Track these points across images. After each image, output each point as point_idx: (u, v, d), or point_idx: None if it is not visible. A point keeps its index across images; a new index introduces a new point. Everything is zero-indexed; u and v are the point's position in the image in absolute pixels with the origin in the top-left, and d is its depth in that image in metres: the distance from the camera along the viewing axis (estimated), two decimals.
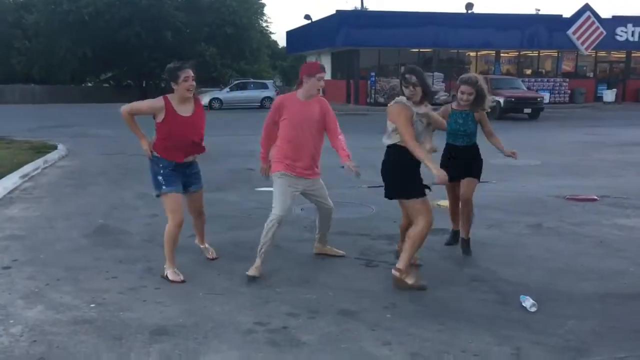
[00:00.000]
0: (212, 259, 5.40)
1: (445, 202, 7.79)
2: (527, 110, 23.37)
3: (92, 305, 4.30)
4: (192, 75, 4.76)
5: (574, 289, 4.67)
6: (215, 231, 6.47)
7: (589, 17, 32.29)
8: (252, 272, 4.88)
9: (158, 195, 4.92)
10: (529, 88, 27.50)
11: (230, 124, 21.99)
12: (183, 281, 4.80)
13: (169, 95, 4.81)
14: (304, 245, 5.87)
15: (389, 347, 3.66)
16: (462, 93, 5.34)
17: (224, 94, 32.71)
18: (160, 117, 4.77)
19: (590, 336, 3.83)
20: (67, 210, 7.47)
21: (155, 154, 4.86)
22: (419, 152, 4.38)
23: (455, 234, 5.87)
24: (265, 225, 4.89)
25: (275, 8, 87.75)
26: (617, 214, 7.24)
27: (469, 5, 34.81)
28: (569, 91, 32.56)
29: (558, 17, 32.98)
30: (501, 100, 23.28)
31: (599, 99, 32.97)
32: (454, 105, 5.59)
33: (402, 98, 4.56)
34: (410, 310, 4.26)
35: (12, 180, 9.14)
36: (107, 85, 49.74)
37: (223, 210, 7.49)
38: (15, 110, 31.03)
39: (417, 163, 4.49)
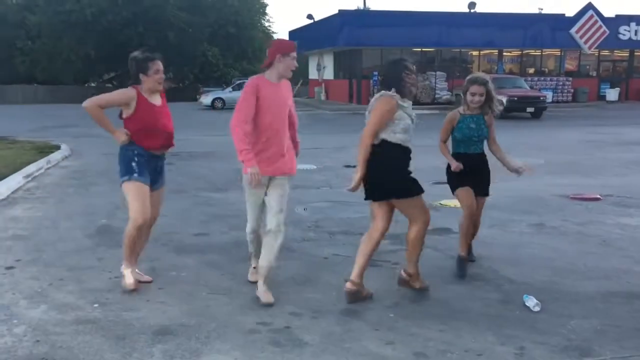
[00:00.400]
0: (148, 282, 4.80)
1: (448, 202, 7.79)
2: (530, 110, 23.35)
3: (95, 305, 4.30)
4: (162, 67, 4.57)
5: (577, 288, 4.66)
6: (218, 231, 6.48)
7: (591, 16, 32.22)
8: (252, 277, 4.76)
9: (125, 181, 4.49)
10: (531, 87, 27.49)
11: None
12: (136, 285, 4.54)
13: (138, 87, 4.55)
14: (307, 245, 5.87)
15: (392, 347, 3.66)
16: (473, 94, 4.95)
17: (227, 93, 32.76)
18: (132, 108, 4.48)
19: (594, 335, 3.82)
20: (70, 210, 7.48)
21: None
22: (362, 150, 4.20)
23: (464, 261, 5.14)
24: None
25: (277, 8, 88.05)
26: (620, 213, 7.23)
27: (472, 5, 34.76)
28: (572, 90, 32.51)
29: (561, 16, 32.92)
30: (504, 99, 23.24)
31: (602, 97, 32.92)
32: (461, 109, 5.15)
33: (387, 92, 4.26)
34: (413, 309, 4.26)
35: (16, 180, 9.16)
36: (109, 85, 49.78)
37: (225, 210, 7.49)
38: (19, 111, 31.10)
39: (409, 158, 4.34)
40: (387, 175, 4.28)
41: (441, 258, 5.49)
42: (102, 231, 6.46)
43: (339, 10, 32.09)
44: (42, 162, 11.05)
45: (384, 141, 4.23)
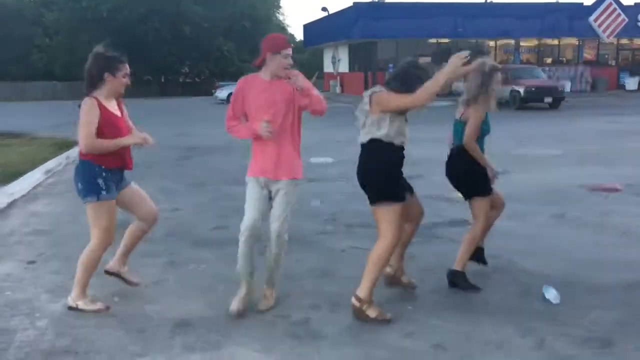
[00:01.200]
0: (137, 284, 4.56)
1: None
2: (548, 100, 23.12)
3: (115, 299, 4.35)
4: (128, 72, 4.13)
5: (597, 280, 4.62)
6: (237, 225, 6.49)
7: (610, 4, 31.77)
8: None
9: (90, 202, 4.09)
10: (549, 77, 27.20)
11: None
12: (107, 308, 4.16)
13: (95, 93, 4.04)
14: (325, 238, 5.88)
15: (410, 339, 3.65)
16: (499, 83, 4.57)
17: None
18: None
19: (615, 327, 3.79)
20: None
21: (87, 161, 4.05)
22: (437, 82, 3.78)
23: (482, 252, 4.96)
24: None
25: (292, 1, 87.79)
26: None
27: None
28: (591, 79, 32.13)
29: (578, 5, 32.51)
30: (521, 89, 23.03)
31: (621, 87, 32.50)
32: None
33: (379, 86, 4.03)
34: (431, 301, 4.25)
35: (36, 176, 9.28)
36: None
37: (243, 203, 7.46)
38: (38, 107, 31.45)
39: (398, 162, 4.00)
40: (380, 177, 3.98)
41: (459, 250, 5.45)
42: (122, 225, 6.48)
43: (354, 3, 31.96)
44: (61, 158, 11.17)
45: (379, 140, 3.91)
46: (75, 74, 45.21)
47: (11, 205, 7.55)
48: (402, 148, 3.98)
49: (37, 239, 5.99)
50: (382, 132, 3.89)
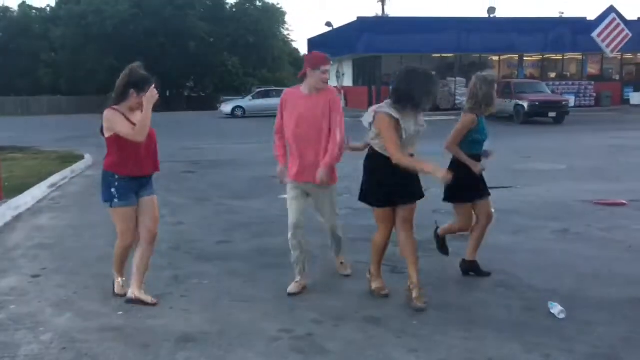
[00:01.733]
0: (153, 304, 4.53)
1: None
2: (552, 114, 23.12)
3: (119, 313, 4.35)
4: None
5: (603, 295, 4.59)
6: (240, 239, 6.51)
7: (614, 19, 31.82)
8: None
9: (108, 207, 4.46)
10: (553, 92, 27.22)
11: (252, 131, 22.10)
12: (124, 295, 4.51)
13: (115, 107, 4.30)
14: (329, 252, 5.85)
15: (415, 355, 3.64)
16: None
17: (247, 102, 32.92)
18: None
19: (621, 343, 3.76)
20: (94, 219, 7.56)
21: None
22: (405, 161, 4.20)
23: (471, 265, 5.16)
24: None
25: (296, 16, 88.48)
26: None
27: (491, 10, 34.62)
28: (595, 94, 32.12)
29: (582, 20, 32.59)
30: (525, 104, 23.06)
31: (625, 101, 32.49)
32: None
33: (384, 105, 4.35)
34: (436, 317, 4.23)
35: (41, 189, 9.31)
36: None
37: (247, 218, 7.53)
38: (43, 122, 31.61)
39: (387, 170, 4.29)
40: (366, 182, 4.54)
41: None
42: None
43: (358, 18, 32.14)
44: (66, 172, 11.22)
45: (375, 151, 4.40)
46: (81, 89, 45.77)
47: (16, 218, 7.57)
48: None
49: (41, 253, 6.00)
50: (378, 144, 4.33)
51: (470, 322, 4.12)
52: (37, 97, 45.30)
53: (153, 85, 4.31)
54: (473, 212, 5.09)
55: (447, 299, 4.55)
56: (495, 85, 4.94)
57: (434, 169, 4.20)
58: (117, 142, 4.30)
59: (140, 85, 4.28)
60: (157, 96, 4.28)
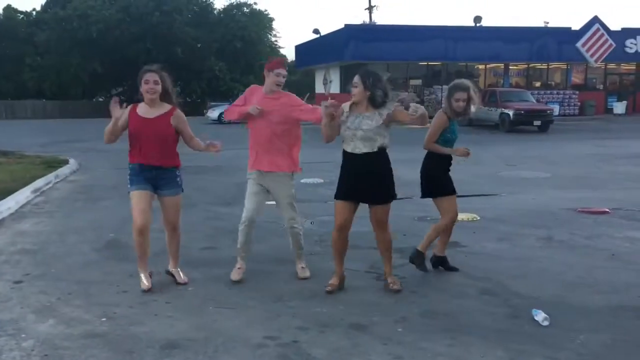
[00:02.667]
0: (183, 284, 5.10)
1: (466, 216, 7.78)
2: (537, 123, 23.34)
3: (103, 319, 4.31)
4: (154, 78, 4.81)
5: (586, 302, 4.63)
6: (225, 245, 6.48)
7: (598, 30, 32.26)
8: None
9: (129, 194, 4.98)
10: (538, 100, 27.47)
11: (239, 137, 22.02)
12: (149, 289, 4.86)
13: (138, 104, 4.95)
14: (314, 259, 5.86)
15: None
16: (458, 100, 5.16)
17: None
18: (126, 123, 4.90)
19: (604, 350, 3.79)
20: (78, 224, 7.51)
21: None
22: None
23: (440, 259, 5.52)
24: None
25: (284, 23, 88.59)
26: (629, 227, 7.19)
27: (478, 19, 34.88)
28: (579, 103, 32.48)
29: (567, 30, 32.97)
30: (511, 112, 23.25)
31: (609, 111, 32.87)
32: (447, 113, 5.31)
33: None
34: (421, 324, 4.24)
35: (24, 194, 9.21)
36: None
37: (233, 224, 7.47)
38: (27, 126, 31.33)
39: (347, 167, 4.72)
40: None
41: (449, 272, 5.46)
42: (110, 245, 6.48)
43: (345, 25, 32.25)
44: (50, 177, 11.11)
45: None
46: (65, 93, 45.45)
47: None
48: (352, 154, 4.67)
49: (24, 259, 5.93)
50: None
51: (456, 329, 4.13)
52: (21, 101, 44.93)
53: (152, 71, 4.88)
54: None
55: (432, 306, 4.57)
56: (458, 93, 5.17)
57: None
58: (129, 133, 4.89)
59: (139, 80, 4.86)
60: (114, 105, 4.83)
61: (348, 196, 4.72)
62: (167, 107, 4.92)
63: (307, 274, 5.28)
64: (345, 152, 4.74)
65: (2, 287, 5.04)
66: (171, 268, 5.20)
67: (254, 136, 5.15)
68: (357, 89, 4.65)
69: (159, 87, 4.83)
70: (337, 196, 4.77)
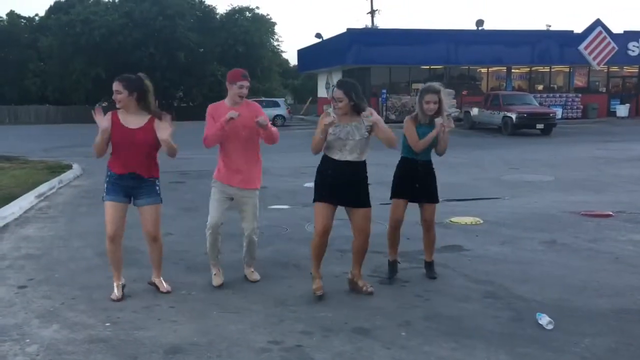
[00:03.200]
0: (165, 292, 5.02)
1: (459, 219, 7.78)
2: (540, 126, 23.30)
3: (107, 324, 4.32)
4: (116, 88, 4.73)
5: (590, 306, 4.63)
6: (229, 250, 6.49)
7: (600, 32, 32.24)
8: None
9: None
10: (540, 104, 27.43)
11: None
12: (119, 299, 4.82)
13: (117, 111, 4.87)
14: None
15: None
16: (428, 102, 5.18)
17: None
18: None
19: (608, 353, 3.79)
20: (81, 229, 7.52)
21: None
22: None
23: (393, 265, 5.52)
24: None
25: (286, 27, 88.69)
26: (632, 230, 7.18)
27: (480, 22, 34.89)
28: (582, 106, 32.44)
29: (569, 33, 32.95)
30: (513, 116, 23.24)
31: (612, 114, 32.82)
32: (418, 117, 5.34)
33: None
34: (424, 328, 4.24)
35: (28, 199, 9.24)
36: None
37: (235, 229, 7.48)
38: (31, 131, 31.41)
39: (329, 173, 4.78)
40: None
41: (452, 276, 5.47)
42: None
43: (347, 29, 32.29)
44: (54, 182, 11.14)
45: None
46: (69, 98, 45.52)
47: (3, 229, 7.51)
48: (339, 161, 4.76)
49: (28, 264, 5.95)
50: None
51: (459, 332, 4.13)
52: (25, 106, 45.05)
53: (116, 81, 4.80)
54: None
55: (435, 310, 4.56)
56: (428, 95, 5.19)
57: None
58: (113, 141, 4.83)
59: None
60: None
61: (332, 197, 4.78)
62: (147, 116, 4.81)
63: (258, 276, 5.39)
64: (329, 159, 4.80)
65: (6, 292, 5.05)
66: (154, 278, 5.13)
67: (224, 149, 5.13)
68: (343, 103, 4.73)
69: (122, 96, 4.71)
70: (319, 199, 4.82)
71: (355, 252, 5.00)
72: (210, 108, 5.19)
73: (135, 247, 6.61)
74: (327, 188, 4.80)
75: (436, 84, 5.34)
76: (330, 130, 4.69)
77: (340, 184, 4.76)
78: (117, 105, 4.80)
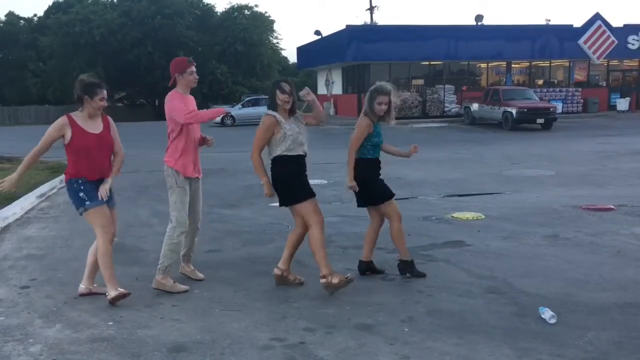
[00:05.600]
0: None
1: (460, 215, 7.77)
2: (540, 121, 23.29)
3: (110, 323, 4.32)
4: (105, 96, 4.73)
5: (593, 300, 4.62)
6: (231, 247, 6.49)
7: (599, 26, 32.19)
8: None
9: (82, 213, 4.72)
10: (541, 98, 27.42)
11: (242, 140, 22.05)
12: (128, 294, 4.71)
13: (71, 114, 4.72)
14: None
15: None
16: (380, 104, 5.17)
17: (236, 110, 32.90)
18: (68, 137, 4.64)
19: (611, 347, 3.78)
20: (83, 229, 7.50)
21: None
22: (257, 169, 4.90)
23: (367, 265, 5.44)
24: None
25: (285, 24, 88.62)
26: (634, 223, 7.17)
27: (479, 17, 34.84)
28: (582, 101, 32.39)
29: (569, 27, 32.90)
30: (513, 111, 23.22)
31: (612, 107, 32.77)
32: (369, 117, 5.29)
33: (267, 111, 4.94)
34: (427, 323, 4.24)
35: (29, 200, 9.24)
36: (120, 104, 50.25)
37: (238, 226, 7.52)
38: (31, 131, 31.36)
39: (300, 170, 4.88)
40: (282, 187, 4.91)
41: (454, 271, 5.47)
42: (115, 249, 6.41)
43: (347, 26, 32.25)
44: (55, 182, 11.14)
45: (278, 156, 4.86)
46: (69, 98, 45.47)
47: (4, 229, 7.51)
48: (296, 156, 4.87)
49: (30, 264, 5.95)
50: (277, 150, 4.90)
51: (462, 328, 4.13)
52: (25, 107, 45.08)
53: (104, 89, 4.72)
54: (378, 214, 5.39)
55: (438, 306, 4.56)
56: (380, 97, 5.18)
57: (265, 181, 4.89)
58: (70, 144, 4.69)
59: (90, 93, 4.64)
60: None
61: (312, 192, 4.94)
62: (99, 117, 4.78)
63: (202, 274, 5.35)
64: (288, 157, 4.84)
65: (9, 293, 5.06)
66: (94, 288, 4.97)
67: (187, 140, 5.05)
68: (292, 98, 4.85)
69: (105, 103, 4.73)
70: (305, 197, 4.86)
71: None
72: (174, 95, 5.07)
73: (136, 245, 6.63)
74: (303, 184, 4.92)
75: (388, 85, 5.31)
76: (286, 131, 4.79)
77: (304, 177, 4.95)
78: (99, 111, 4.71)
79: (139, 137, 18.54)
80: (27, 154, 4.81)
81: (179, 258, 5.22)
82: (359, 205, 5.40)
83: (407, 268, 5.30)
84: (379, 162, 5.33)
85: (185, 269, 5.35)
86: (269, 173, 4.93)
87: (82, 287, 4.94)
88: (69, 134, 4.63)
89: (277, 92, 4.82)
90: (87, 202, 4.63)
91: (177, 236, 4.99)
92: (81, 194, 4.64)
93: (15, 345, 3.96)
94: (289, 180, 4.88)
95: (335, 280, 4.77)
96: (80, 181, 4.65)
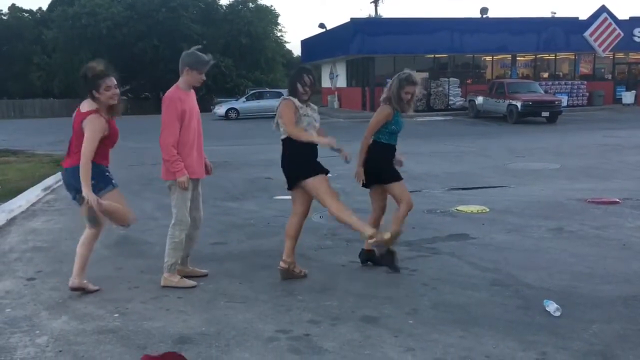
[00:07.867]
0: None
1: (465, 208, 7.77)
2: (545, 114, 23.22)
3: (115, 315, 4.34)
4: (114, 84, 4.66)
5: (598, 293, 4.62)
6: (235, 240, 6.51)
7: (605, 19, 32.02)
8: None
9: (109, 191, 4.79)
10: (546, 91, 27.33)
11: (247, 133, 22.09)
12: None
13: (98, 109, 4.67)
14: (324, 253, 5.88)
15: (412, 353, 3.64)
16: (407, 93, 5.22)
17: (240, 103, 32.91)
18: (107, 131, 4.74)
19: (616, 340, 3.78)
20: None
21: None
22: (304, 136, 4.86)
23: (367, 254, 5.42)
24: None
25: (289, 18, 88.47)
26: (639, 217, 7.15)
27: (484, 10, 34.72)
28: (587, 94, 32.26)
29: (574, 20, 32.75)
30: (518, 104, 23.15)
31: (618, 100, 32.63)
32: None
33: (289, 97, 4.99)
34: (432, 316, 4.24)
35: (35, 193, 9.28)
36: (125, 97, 50.23)
37: (242, 219, 7.53)
38: (36, 125, 31.50)
39: (309, 149, 4.94)
40: (290, 165, 5.03)
41: (459, 264, 5.47)
42: (121, 242, 6.51)
43: (351, 19, 32.18)
44: (60, 175, 11.17)
45: (287, 138, 4.94)
46: (74, 91, 45.57)
47: (10, 222, 7.55)
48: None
49: (36, 256, 5.98)
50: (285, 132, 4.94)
51: (467, 320, 4.13)
52: (30, 100, 45.16)
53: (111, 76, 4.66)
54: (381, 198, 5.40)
55: (443, 298, 4.57)
56: (409, 87, 5.22)
57: (329, 140, 4.88)
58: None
59: (93, 85, 4.62)
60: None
61: (324, 169, 5.02)
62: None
63: (204, 270, 5.30)
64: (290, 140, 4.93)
65: (15, 285, 5.09)
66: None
67: (189, 139, 4.93)
68: (312, 90, 5.03)
69: (117, 91, 4.74)
70: (318, 171, 4.94)
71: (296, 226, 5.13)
72: (178, 99, 4.92)
73: (141, 238, 6.65)
74: (312, 162, 5.02)
75: (417, 76, 5.34)
76: (302, 112, 4.91)
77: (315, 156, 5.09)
78: (113, 101, 4.69)
79: (143, 130, 18.56)
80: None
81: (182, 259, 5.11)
82: (365, 186, 5.38)
83: (386, 258, 5.27)
84: (394, 149, 5.33)
85: (184, 271, 5.15)
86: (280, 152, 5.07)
87: (85, 282, 4.89)
88: (107, 129, 4.71)
89: (298, 85, 4.95)
90: (109, 185, 4.75)
91: (179, 234, 4.97)
92: (107, 174, 4.79)
93: (21, 336, 3.99)
94: (301, 156, 4.94)
95: (386, 236, 4.85)
96: (102, 167, 4.77)
